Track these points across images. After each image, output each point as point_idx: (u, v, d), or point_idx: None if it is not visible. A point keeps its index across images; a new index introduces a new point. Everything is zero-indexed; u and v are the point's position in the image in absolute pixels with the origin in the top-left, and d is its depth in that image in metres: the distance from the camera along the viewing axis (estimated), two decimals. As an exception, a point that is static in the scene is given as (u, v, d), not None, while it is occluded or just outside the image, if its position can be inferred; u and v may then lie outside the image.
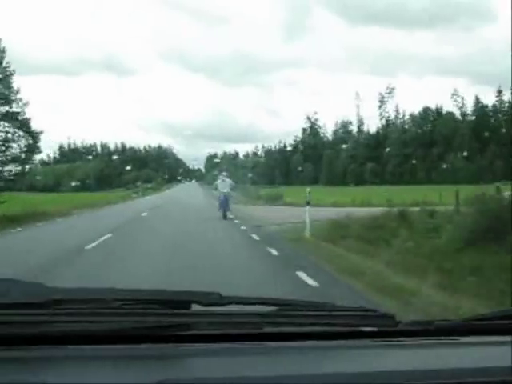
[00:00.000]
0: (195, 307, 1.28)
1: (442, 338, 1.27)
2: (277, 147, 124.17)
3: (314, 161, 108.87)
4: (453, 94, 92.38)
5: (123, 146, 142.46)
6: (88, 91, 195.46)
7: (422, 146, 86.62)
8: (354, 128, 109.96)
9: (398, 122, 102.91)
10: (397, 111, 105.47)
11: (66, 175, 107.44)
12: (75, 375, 1.03)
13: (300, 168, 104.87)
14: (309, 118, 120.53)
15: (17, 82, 24.36)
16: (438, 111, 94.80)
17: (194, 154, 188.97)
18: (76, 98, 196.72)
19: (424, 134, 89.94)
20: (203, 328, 1.21)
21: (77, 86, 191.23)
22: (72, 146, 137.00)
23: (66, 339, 1.14)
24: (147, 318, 1.21)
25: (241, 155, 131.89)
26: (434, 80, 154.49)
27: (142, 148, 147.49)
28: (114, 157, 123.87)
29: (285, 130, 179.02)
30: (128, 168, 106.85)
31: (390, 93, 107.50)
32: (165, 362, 1.11)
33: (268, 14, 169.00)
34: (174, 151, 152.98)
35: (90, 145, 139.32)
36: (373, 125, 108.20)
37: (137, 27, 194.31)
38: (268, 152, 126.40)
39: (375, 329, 1.29)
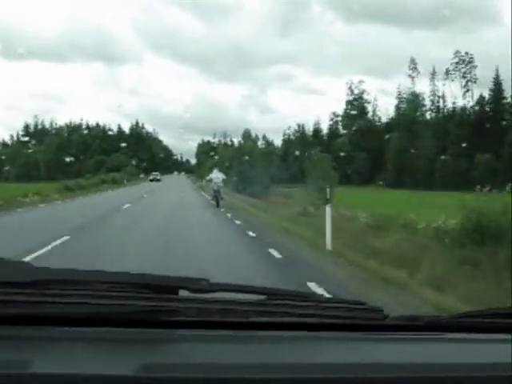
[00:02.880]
0: (183, 293, 1.25)
1: (430, 333, 1.27)
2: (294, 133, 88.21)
3: (367, 149, 72.71)
4: None
5: (96, 126, 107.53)
6: (75, 78, 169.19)
7: None
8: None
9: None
10: (497, 77, 69.59)
11: (10, 160, 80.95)
12: (60, 356, 1.03)
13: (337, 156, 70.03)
14: (351, 89, 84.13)
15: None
16: None
17: (182, 146, 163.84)
18: (62, 84, 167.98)
19: None
20: (191, 314, 1.20)
21: (64, 72, 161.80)
22: (39, 127, 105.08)
23: (52, 320, 1.13)
24: (134, 301, 1.20)
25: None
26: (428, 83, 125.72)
27: (115, 128, 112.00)
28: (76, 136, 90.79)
29: (277, 126, 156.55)
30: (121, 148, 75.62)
31: (458, 62, 73.32)
32: (150, 346, 1.11)
33: (264, 8, 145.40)
34: (161, 138, 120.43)
35: (61, 126, 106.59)
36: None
37: (129, 15, 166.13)
38: (288, 140, 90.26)
39: (364, 322, 1.31)
